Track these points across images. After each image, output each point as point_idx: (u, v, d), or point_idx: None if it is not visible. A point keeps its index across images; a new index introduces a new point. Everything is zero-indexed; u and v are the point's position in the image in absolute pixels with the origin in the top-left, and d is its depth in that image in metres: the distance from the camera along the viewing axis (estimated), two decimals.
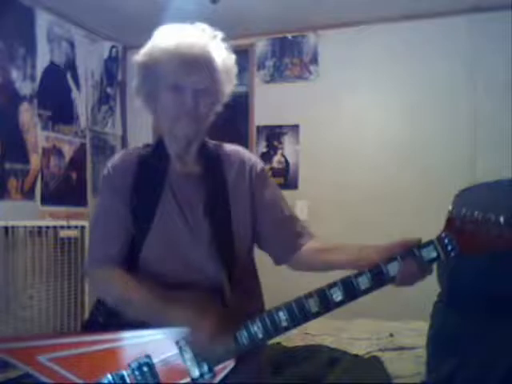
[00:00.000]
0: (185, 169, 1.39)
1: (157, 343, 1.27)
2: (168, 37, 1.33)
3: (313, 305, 1.19)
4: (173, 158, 1.39)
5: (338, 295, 1.18)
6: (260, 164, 1.47)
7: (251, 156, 1.49)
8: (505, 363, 1.48)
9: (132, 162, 1.38)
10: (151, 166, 1.38)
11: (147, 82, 1.35)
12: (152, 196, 1.34)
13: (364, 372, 2.47)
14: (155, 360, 1.26)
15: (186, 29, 1.34)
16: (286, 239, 1.42)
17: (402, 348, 2.72)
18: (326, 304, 1.19)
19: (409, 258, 1.15)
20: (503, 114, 3.24)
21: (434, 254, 1.14)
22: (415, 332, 2.77)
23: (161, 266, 1.34)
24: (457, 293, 1.62)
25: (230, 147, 1.47)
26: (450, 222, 1.12)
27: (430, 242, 1.15)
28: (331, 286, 1.19)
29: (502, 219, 1.06)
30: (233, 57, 1.39)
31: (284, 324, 1.21)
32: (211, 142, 1.45)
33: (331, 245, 1.37)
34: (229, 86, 1.39)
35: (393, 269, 1.16)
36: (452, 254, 1.13)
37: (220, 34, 1.36)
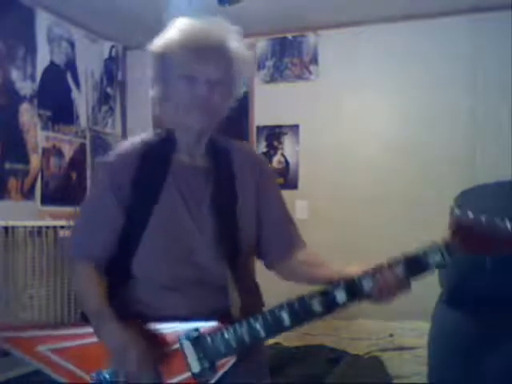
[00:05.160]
0: (192, 161, 1.37)
1: (159, 337, 1.26)
2: (183, 27, 1.31)
3: (316, 305, 1.20)
4: (181, 149, 1.36)
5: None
6: (267, 164, 1.48)
7: (259, 154, 1.49)
8: (505, 361, 1.48)
9: (136, 152, 1.35)
10: (156, 157, 1.35)
11: (162, 72, 1.33)
12: (154, 186, 1.32)
13: (364, 372, 2.48)
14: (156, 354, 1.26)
15: (202, 20, 1.33)
16: (282, 245, 1.41)
17: (401, 348, 2.72)
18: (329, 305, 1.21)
19: (386, 273, 1.17)
20: (503, 113, 3.24)
21: (439, 258, 1.15)
22: (415, 332, 2.78)
23: (161, 258, 1.31)
24: (458, 293, 1.63)
25: (239, 143, 1.47)
26: (455, 225, 1.12)
27: (435, 247, 1.15)
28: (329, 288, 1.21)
29: (508, 223, 1.07)
30: (248, 50, 1.37)
31: (286, 323, 1.21)
32: (220, 136, 1.43)
33: (317, 260, 1.38)
34: (245, 77, 1.37)
35: (367, 284, 1.18)
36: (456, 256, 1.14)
37: (236, 27, 1.34)
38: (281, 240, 1.42)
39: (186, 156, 1.37)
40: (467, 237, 1.11)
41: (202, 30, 1.30)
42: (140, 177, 1.32)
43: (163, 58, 1.31)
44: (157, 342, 1.25)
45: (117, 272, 1.34)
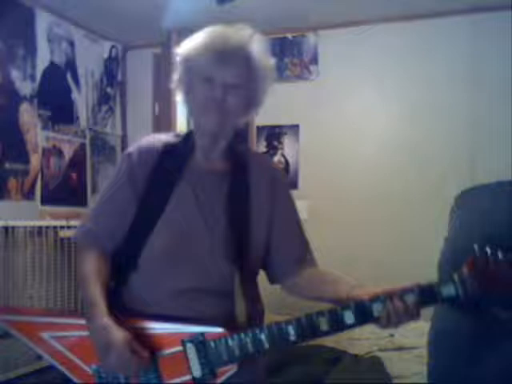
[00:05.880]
0: (209, 165, 1.37)
1: (162, 337, 1.27)
2: (208, 31, 1.33)
3: (323, 323, 1.20)
4: (199, 151, 1.37)
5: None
6: (285, 176, 1.48)
7: (277, 167, 1.49)
8: (505, 361, 1.48)
9: (156, 150, 1.37)
10: (173, 157, 1.36)
11: (186, 75, 1.34)
12: (167, 186, 1.33)
13: (364, 372, 2.48)
14: (158, 353, 1.26)
15: (227, 27, 1.34)
16: (290, 260, 1.40)
17: (401, 348, 2.72)
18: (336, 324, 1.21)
19: (397, 302, 1.17)
20: (503, 113, 3.24)
21: (453, 293, 1.14)
22: (415, 332, 2.77)
23: (168, 259, 1.31)
24: None
25: (258, 152, 1.49)
26: (473, 262, 1.11)
27: (450, 281, 1.15)
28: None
29: None
30: (271, 58, 1.37)
31: (292, 338, 1.21)
32: (240, 144, 1.43)
33: (327, 277, 1.37)
34: (266, 86, 1.36)
35: (377, 309, 1.18)
36: (472, 294, 1.13)
37: (259, 34, 1.34)
38: (289, 256, 1.41)
39: (203, 159, 1.37)
40: (483, 275, 1.10)
41: (224, 34, 1.31)
42: (155, 176, 1.34)
43: (186, 62, 1.33)
44: (149, 343, 1.25)
45: (122, 266, 1.34)
